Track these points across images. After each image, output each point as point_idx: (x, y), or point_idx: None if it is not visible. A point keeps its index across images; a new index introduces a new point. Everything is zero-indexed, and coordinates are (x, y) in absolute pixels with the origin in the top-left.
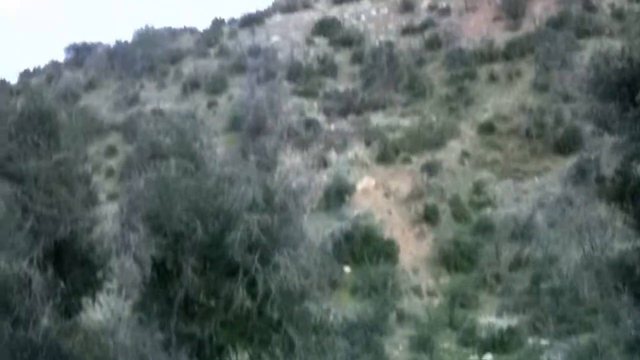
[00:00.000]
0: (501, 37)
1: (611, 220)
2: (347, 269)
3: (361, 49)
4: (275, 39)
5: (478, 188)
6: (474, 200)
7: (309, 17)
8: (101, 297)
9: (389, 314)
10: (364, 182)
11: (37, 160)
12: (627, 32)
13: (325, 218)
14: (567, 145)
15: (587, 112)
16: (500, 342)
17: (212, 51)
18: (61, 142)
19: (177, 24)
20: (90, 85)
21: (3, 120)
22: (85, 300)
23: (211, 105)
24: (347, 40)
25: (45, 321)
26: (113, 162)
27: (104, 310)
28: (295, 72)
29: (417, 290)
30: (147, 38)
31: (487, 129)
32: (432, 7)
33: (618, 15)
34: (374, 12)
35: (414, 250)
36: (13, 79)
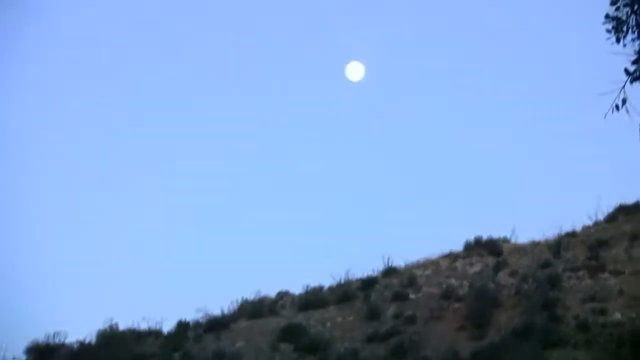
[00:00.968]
0: (466, 346)
1: None
2: None
3: (326, 356)
4: (240, 344)
5: None
6: None
7: (275, 322)
8: None
9: None
10: None
11: None
12: (592, 344)
13: None
14: None
15: None
16: None
17: (177, 355)
18: None
19: (141, 324)
20: None
21: None
22: None
23: None
24: (313, 346)
25: None
26: None
27: None
28: None
29: None
30: (111, 340)
31: None
32: (397, 315)
33: (583, 326)
34: (339, 319)
35: None
36: None
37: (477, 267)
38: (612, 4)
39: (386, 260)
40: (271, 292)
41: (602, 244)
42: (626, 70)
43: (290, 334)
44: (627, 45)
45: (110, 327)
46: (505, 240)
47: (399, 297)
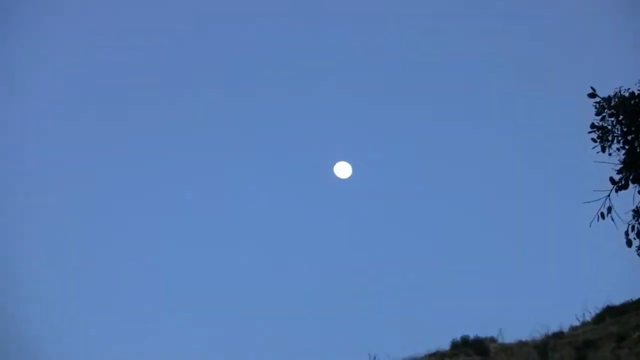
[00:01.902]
0: None
1: None
2: None
3: None
4: None
5: None
6: None
7: None
8: None
9: None
10: None
11: None
12: None
13: None
14: None
15: None
16: None
17: None
18: None
19: None
20: None
21: None
22: None
23: None
24: None
25: None
26: None
27: None
28: None
29: None
30: None
31: None
32: None
33: None
34: None
35: None
36: None
37: None
38: (598, 114)
39: (372, 358)
40: None
41: (589, 344)
42: (611, 179)
43: None
44: (612, 155)
45: None
46: (492, 340)
47: None
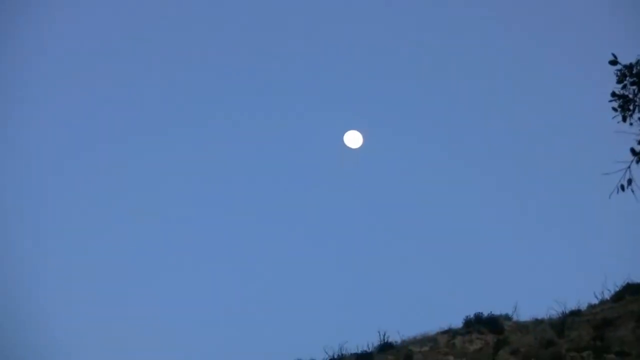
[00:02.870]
0: None
1: None
2: None
3: None
4: None
5: None
6: None
7: None
8: None
9: None
10: None
11: None
12: None
13: None
14: None
15: None
16: None
17: None
18: None
19: None
20: None
21: None
22: None
23: None
24: None
25: None
26: None
27: None
28: None
29: None
30: None
31: None
32: None
33: None
34: None
35: None
36: None
37: (477, 345)
38: (619, 82)
39: (382, 336)
40: None
41: (608, 323)
42: (632, 150)
43: None
44: (634, 124)
45: None
46: (507, 318)
47: None
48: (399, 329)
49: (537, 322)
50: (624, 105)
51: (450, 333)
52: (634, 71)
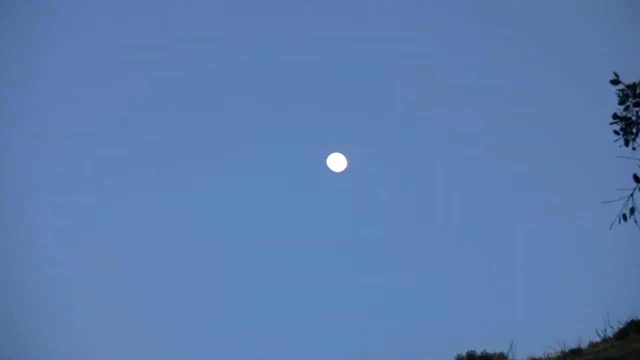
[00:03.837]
0: None
1: None
2: None
3: None
4: None
5: None
6: None
7: None
8: None
9: None
10: None
11: None
12: None
13: None
14: None
15: None
16: None
17: None
18: None
19: None
20: None
21: None
22: None
23: None
24: None
25: None
26: None
27: None
28: None
29: None
30: None
31: None
32: None
33: None
34: None
35: None
36: None
37: None
38: (621, 103)
39: None
40: None
41: None
42: (635, 177)
43: None
44: (637, 149)
45: None
46: (502, 356)
47: None
48: None
49: None
50: (627, 128)
51: None
52: (637, 91)
